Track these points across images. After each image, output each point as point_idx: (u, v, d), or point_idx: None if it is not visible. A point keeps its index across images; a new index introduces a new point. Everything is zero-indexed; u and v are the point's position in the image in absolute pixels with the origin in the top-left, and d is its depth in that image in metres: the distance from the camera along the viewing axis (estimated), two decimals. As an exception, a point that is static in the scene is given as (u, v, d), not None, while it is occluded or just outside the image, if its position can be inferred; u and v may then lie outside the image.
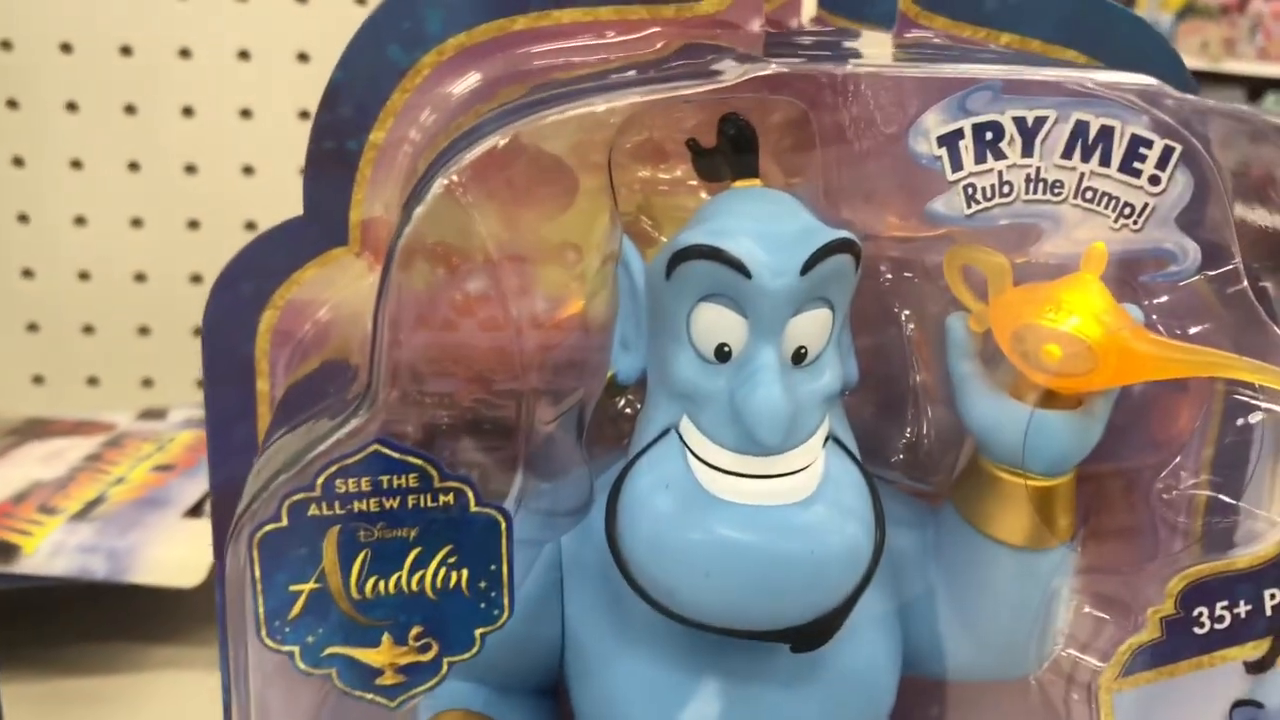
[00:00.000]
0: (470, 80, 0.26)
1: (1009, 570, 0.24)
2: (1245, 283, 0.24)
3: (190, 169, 0.66)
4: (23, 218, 0.67)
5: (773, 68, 0.20)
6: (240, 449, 0.26)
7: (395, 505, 0.18)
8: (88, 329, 0.69)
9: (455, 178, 0.20)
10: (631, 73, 0.22)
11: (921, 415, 0.25)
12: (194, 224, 0.66)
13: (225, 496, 0.25)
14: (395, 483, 0.18)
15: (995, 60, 0.25)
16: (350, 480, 0.18)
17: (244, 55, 0.64)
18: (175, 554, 0.46)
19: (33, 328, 0.67)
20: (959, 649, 0.25)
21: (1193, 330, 0.24)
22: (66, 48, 0.65)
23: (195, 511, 0.49)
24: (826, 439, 0.22)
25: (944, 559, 0.24)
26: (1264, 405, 0.23)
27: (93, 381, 0.70)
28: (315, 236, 0.26)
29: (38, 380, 0.69)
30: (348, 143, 0.25)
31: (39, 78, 0.66)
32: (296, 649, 0.18)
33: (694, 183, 0.24)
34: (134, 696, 0.44)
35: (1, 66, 0.66)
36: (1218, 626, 0.21)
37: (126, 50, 0.65)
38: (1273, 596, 0.21)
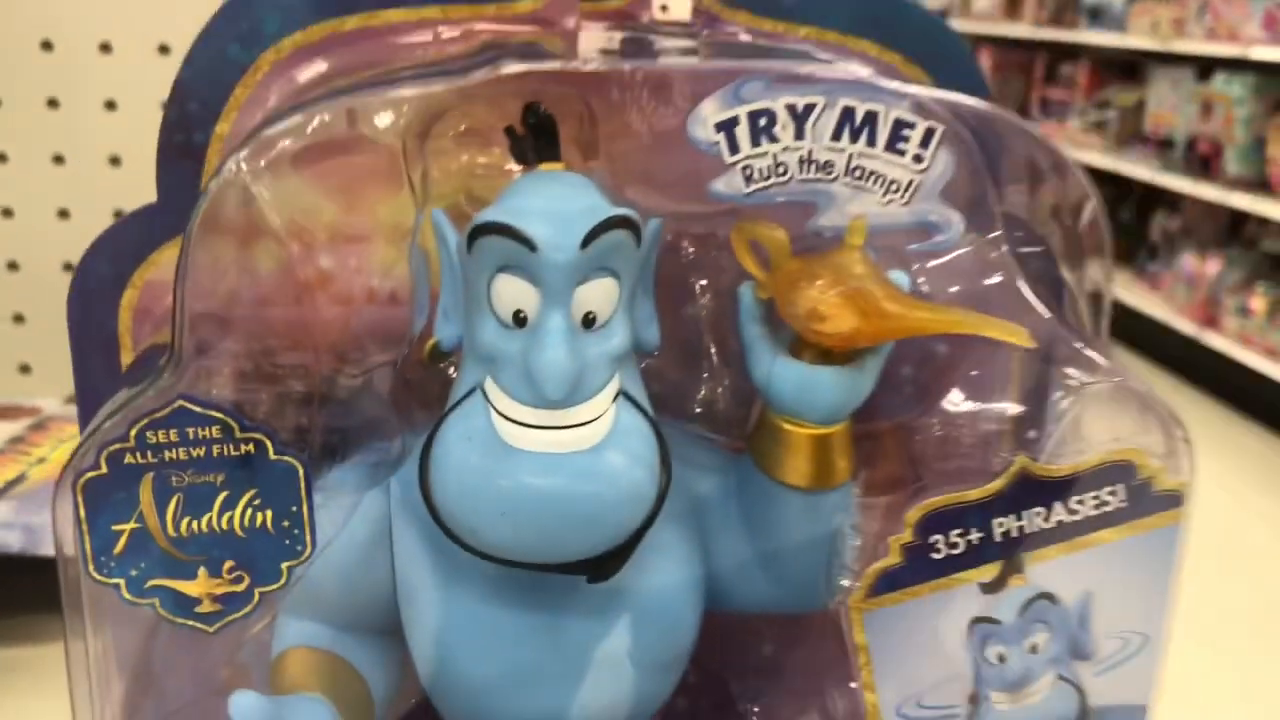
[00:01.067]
0: (316, 68, 0.28)
1: (796, 510, 0.26)
2: (1005, 248, 0.27)
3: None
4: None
5: (513, 69, 0.22)
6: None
7: (201, 454, 0.20)
8: (18, 318, 0.70)
9: (251, 158, 0.22)
10: (448, 69, 0.24)
11: (717, 375, 0.28)
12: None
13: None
14: (200, 434, 0.20)
15: (789, 56, 0.28)
16: (160, 432, 0.20)
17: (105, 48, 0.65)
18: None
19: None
20: (758, 584, 0.27)
21: (953, 290, 0.27)
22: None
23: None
24: (617, 395, 0.24)
25: (741, 502, 0.27)
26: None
27: (24, 369, 0.72)
28: (170, 222, 0.28)
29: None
30: (195, 135, 0.28)
31: None
32: (122, 581, 0.21)
33: (510, 166, 0.27)
34: (48, 664, 0.46)
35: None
36: (953, 552, 0.23)
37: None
38: (1000, 525, 0.23)
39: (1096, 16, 2.91)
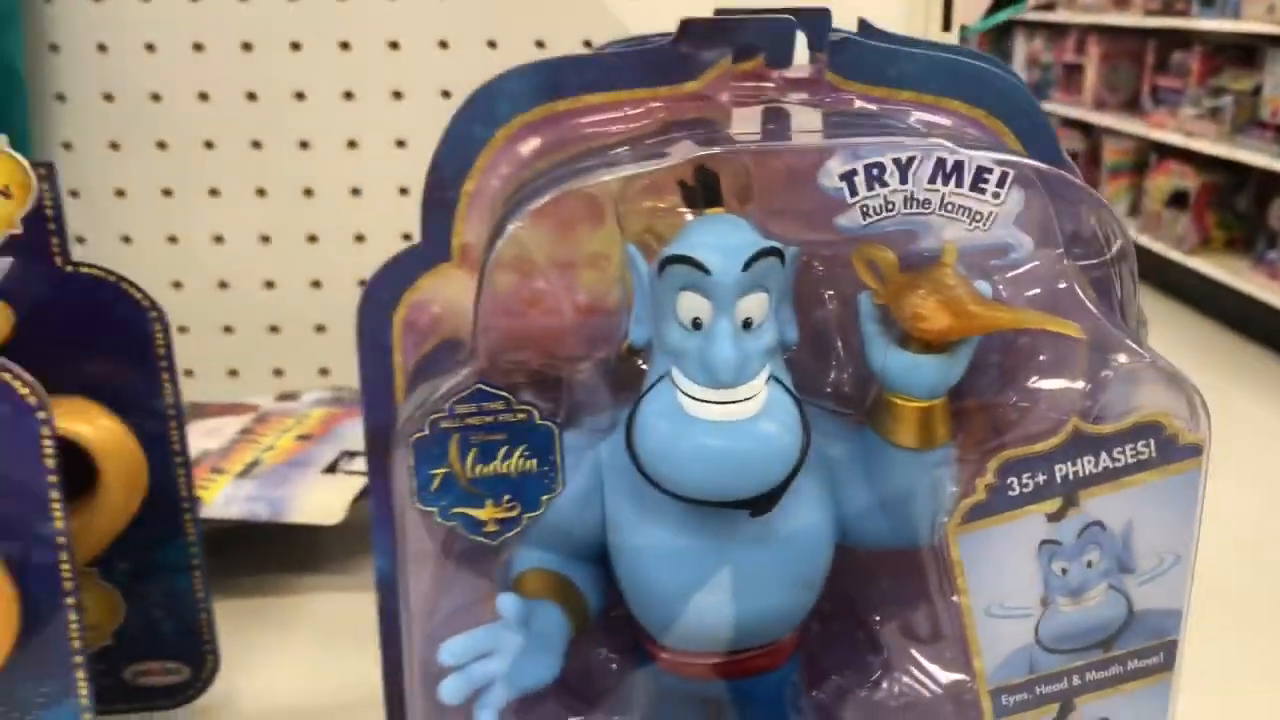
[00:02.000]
0: (532, 144, 0.37)
1: (906, 466, 0.35)
2: (1066, 262, 0.35)
3: (307, 193, 0.80)
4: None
5: (701, 152, 0.31)
6: (384, 403, 0.38)
7: (491, 421, 0.30)
8: (227, 329, 0.83)
9: (521, 222, 0.32)
10: (624, 149, 0.33)
11: (843, 364, 0.36)
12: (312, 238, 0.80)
13: (376, 434, 0.38)
14: (490, 407, 0.30)
15: (893, 118, 0.36)
16: (464, 405, 0.29)
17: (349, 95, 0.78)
18: (318, 500, 0.59)
19: (183, 330, 0.81)
20: (877, 525, 0.36)
21: (1028, 294, 0.35)
22: (204, 96, 0.79)
23: (331, 469, 0.62)
24: (769, 378, 0.33)
25: (863, 461, 0.35)
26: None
27: (233, 373, 0.84)
28: (430, 256, 0.38)
29: (188, 373, 0.83)
30: (448, 193, 0.37)
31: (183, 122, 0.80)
32: (435, 509, 0.30)
33: (682, 210, 0.36)
34: (294, 611, 0.57)
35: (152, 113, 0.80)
36: (1024, 490, 0.31)
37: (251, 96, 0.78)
38: (1060, 470, 0.31)
39: (1209, 2, 2.86)
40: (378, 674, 0.41)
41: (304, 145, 0.80)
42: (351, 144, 0.79)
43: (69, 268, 0.42)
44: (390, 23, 0.78)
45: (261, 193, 0.81)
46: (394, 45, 0.78)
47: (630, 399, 0.34)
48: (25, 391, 0.33)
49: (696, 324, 0.32)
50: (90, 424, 0.37)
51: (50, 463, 0.34)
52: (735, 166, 0.35)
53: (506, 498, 0.31)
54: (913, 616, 0.36)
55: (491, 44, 0.79)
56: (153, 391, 0.43)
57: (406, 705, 0.35)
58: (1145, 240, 3.06)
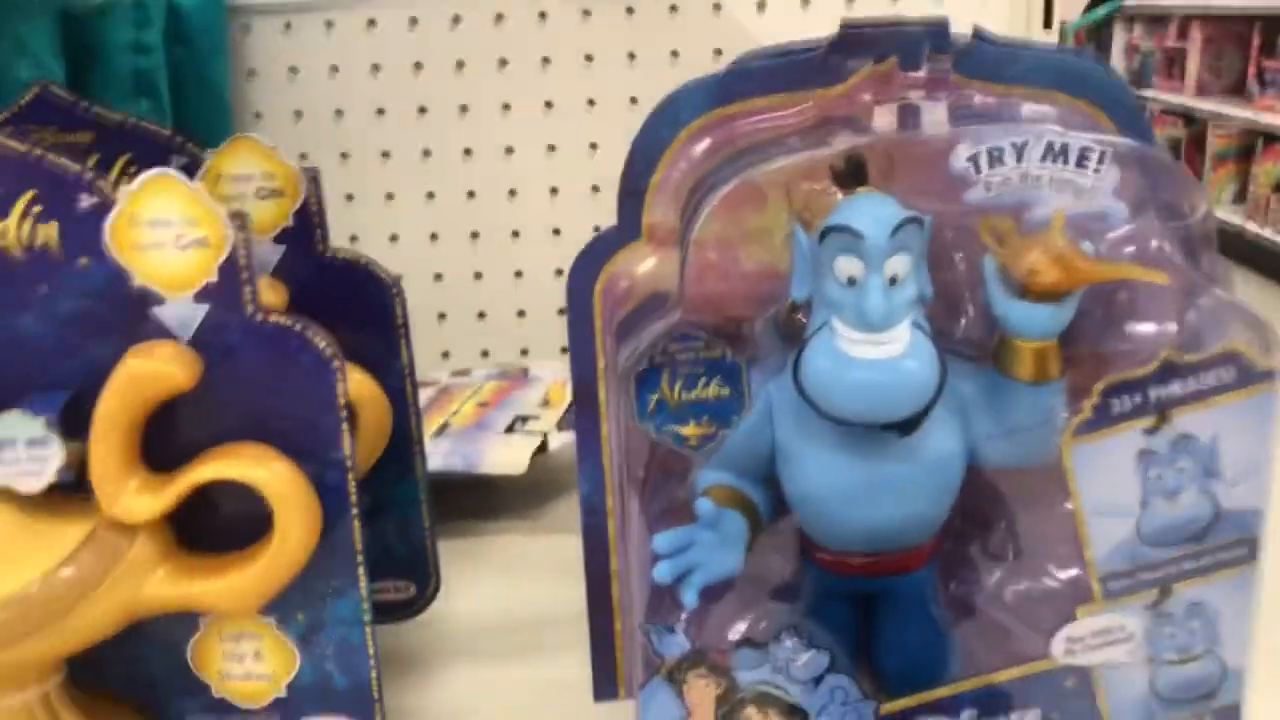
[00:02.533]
0: (705, 143, 0.46)
1: (1025, 397, 0.42)
2: (1158, 224, 0.42)
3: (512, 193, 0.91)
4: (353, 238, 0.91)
5: (855, 142, 0.40)
6: (588, 357, 0.47)
7: (692, 356, 0.38)
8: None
9: (713, 205, 0.40)
10: (795, 139, 0.41)
11: (970, 316, 0.44)
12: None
13: (581, 383, 0.47)
14: (692, 345, 0.38)
15: (1008, 110, 0.44)
16: (673, 344, 0.38)
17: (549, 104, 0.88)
18: (504, 455, 0.68)
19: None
20: (1002, 447, 0.43)
21: (1125, 251, 0.42)
22: (380, 111, 0.90)
23: (509, 430, 0.71)
24: (911, 325, 0.41)
25: (990, 394, 0.43)
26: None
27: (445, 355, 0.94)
28: (624, 237, 0.46)
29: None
30: (639, 183, 0.46)
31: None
32: (651, 426, 0.39)
33: (834, 189, 0.44)
34: (487, 548, 0.67)
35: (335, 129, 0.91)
36: (1124, 409, 0.38)
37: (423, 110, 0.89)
38: (1154, 392, 0.38)
39: (1319, -18, 2.82)
40: (567, 594, 0.50)
41: (509, 150, 0.90)
42: (551, 148, 0.90)
43: (328, 254, 0.52)
44: (583, 40, 0.88)
45: (431, 196, 0.91)
46: (589, 58, 0.88)
47: (794, 346, 0.42)
48: (324, 345, 0.43)
49: (851, 281, 0.40)
50: (350, 378, 0.47)
51: (341, 403, 0.44)
52: (881, 153, 0.43)
53: (705, 418, 0.40)
54: (1030, 525, 0.44)
55: (636, 60, 0.88)
56: (393, 353, 0.52)
57: (624, 592, 0.44)
58: (1253, 227, 3.01)
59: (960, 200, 0.41)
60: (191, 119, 0.86)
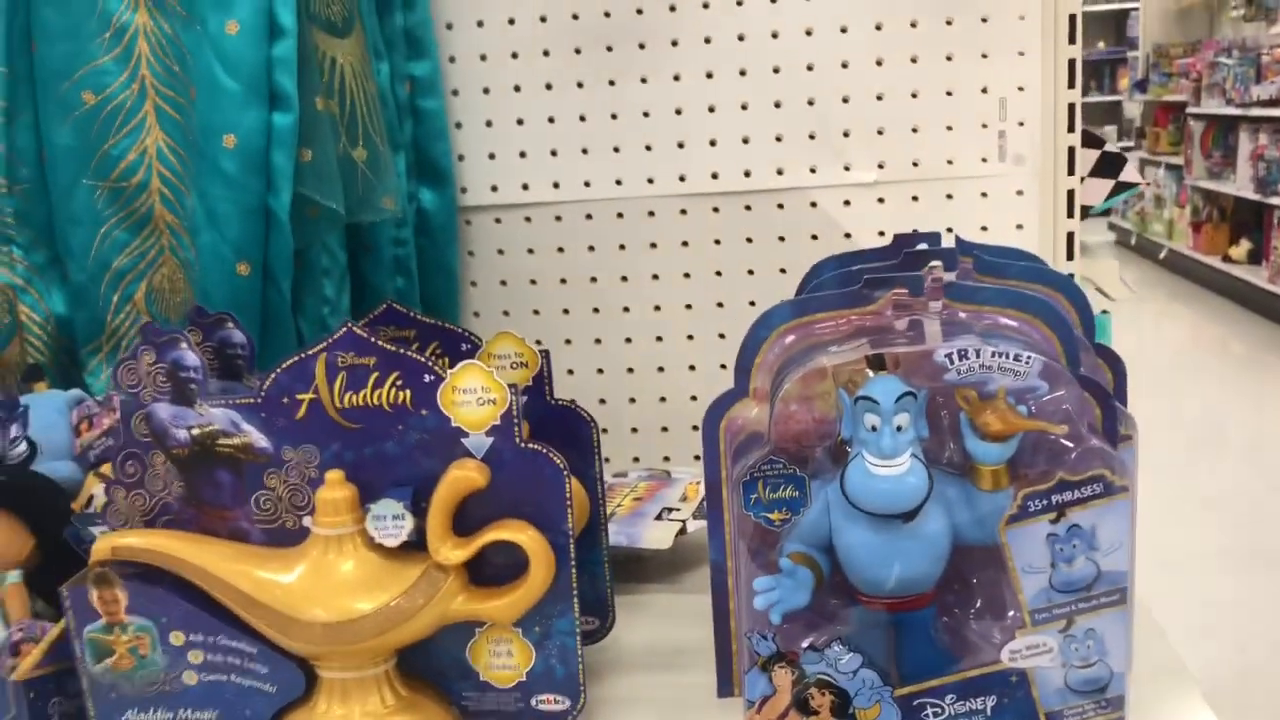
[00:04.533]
0: (790, 338, 0.74)
1: (986, 500, 0.68)
2: (1063, 394, 0.68)
3: (658, 339, 1.20)
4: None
5: (870, 350, 0.68)
6: (715, 470, 0.75)
7: (776, 472, 0.66)
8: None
9: (792, 380, 0.68)
10: (843, 339, 0.70)
11: (951, 447, 0.71)
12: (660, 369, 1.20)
13: (712, 485, 0.75)
14: (776, 465, 0.66)
15: (972, 331, 0.71)
16: (764, 465, 0.66)
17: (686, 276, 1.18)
18: (655, 535, 0.96)
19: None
20: (971, 531, 0.69)
21: (1048, 411, 0.68)
22: (563, 280, 1.21)
23: (659, 517, 1.00)
24: (911, 455, 0.68)
25: (964, 496, 0.69)
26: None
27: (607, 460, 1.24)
28: (737, 395, 0.75)
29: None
30: (748, 362, 0.74)
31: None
32: (752, 514, 0.67)
33: (868, 371, 0.71)
34: (645, 602, 0.94)
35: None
36: (1038, 508, 0.65)
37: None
38: (1055, 498, 0.64)
39: None
40: (696, 633, 0.78)
41: (656, 309, 1.21)
42: (689, 307, 1.20)
43: (553, 400, 0.82)
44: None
45: (598, 342, 1.21)
46: (717, 241, 1.19)
47: (840, 464, 0.69)
48: (559, 462, 0.72)
49: (873, 428, 0.68)
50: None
51: (568, 497, 0.73)
52: (890, 355, 0.71)
53: (784, 509, 0.67)
54: (988, 579, 0.70)
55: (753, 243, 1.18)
56: (589, 465, 0.81)
57: (737, 622, 0.72)
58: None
59: (942, 380, 0.69)
60: (431, 290, 1.19)
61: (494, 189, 1.22)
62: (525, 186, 1.21)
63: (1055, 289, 0.77)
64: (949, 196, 1.15)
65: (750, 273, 1.19)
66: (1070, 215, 1.14)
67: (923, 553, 0.69)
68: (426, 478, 0.73)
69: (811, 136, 1.16)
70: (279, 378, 0.74)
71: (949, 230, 1.11)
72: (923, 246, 0.92)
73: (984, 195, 1.15)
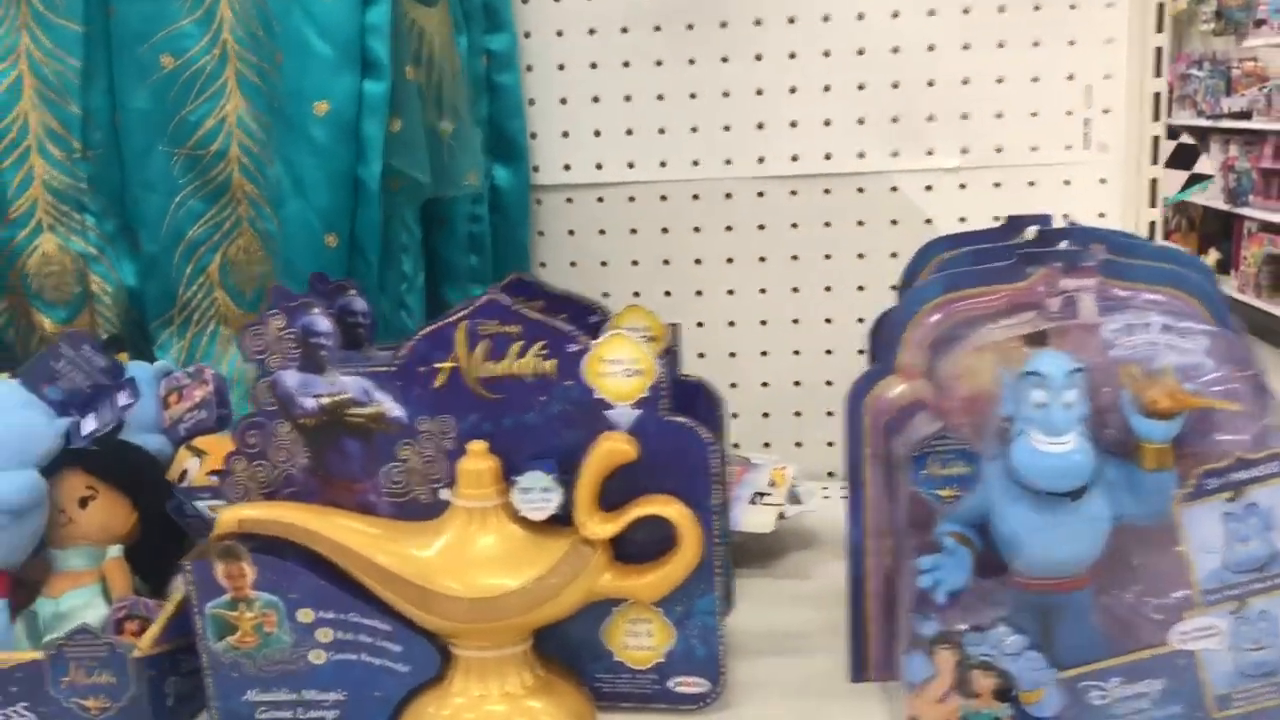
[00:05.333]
0: (936, 317, 0.73)
1: (1150, 480, 0.67)
2: (1233, 371, 0.67)
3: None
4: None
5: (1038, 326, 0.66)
6: (858, 450, 0.74)
7: (948, 447, 0.65)
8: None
9: (956, 357, 0.67)
10: (997, 316, 0.68)
11: (1117, 425, 0.69)
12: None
13: (854, 463, 0.73)
14: (948, 440, 0.64)
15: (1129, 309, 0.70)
16: (936, 440, 0.64)
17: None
18: (756, 519, 0.95)
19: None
20: (1134, 511, 0.68)
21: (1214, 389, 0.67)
22: (634, 263, 1.18)
23: (753, 501, 0.98)
24: (1078, 432, 0.66)
25: (1128, 477, 0.68)
26: (1242, 417, 0.67)
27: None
28: (882, 372, 0.73)
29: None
30: (894, 337, 0.73)
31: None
32: (922, 490, 0.65)
33: (1026, 349, 0.70)
34: (749, 587, 0.92)
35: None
36: (1213, 486, 0.64)
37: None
38: (1232, 477, 0.63)
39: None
40: (803, 615, 0.76)
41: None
42: (763, 291, 1.18)
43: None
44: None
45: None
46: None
47: (1004, 445, 0.68)
48: (706, 435, 0.70)
49: (1040, 405, 0.66)
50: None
51: (714, 472, 0.70)
52: (1051, 329, 0.70)
53: (954, 486, 0.66)
54: (1153, 561, 0.69)
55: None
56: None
57: (875, 604, 0.70)
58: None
59: (1108, 356, 0.67)
60: (502, 269, 1.16)
61: (566, 168, 1.19)
62: (599, 166, 1.19)
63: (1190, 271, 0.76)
64: (1031, 184, 1.14)
65: (827, 257, 1.18)
66: (1152, 204, 1.14)
67: (1085, 532, 0.68)
68: (567, 451, 0.70)
69: (894, 120, 1.14)
70: (417, 345, 0.71)
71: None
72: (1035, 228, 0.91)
73: (1066, 183, 1.14)
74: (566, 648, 0.74)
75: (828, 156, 1.16)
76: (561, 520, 0.70)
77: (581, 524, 0.69)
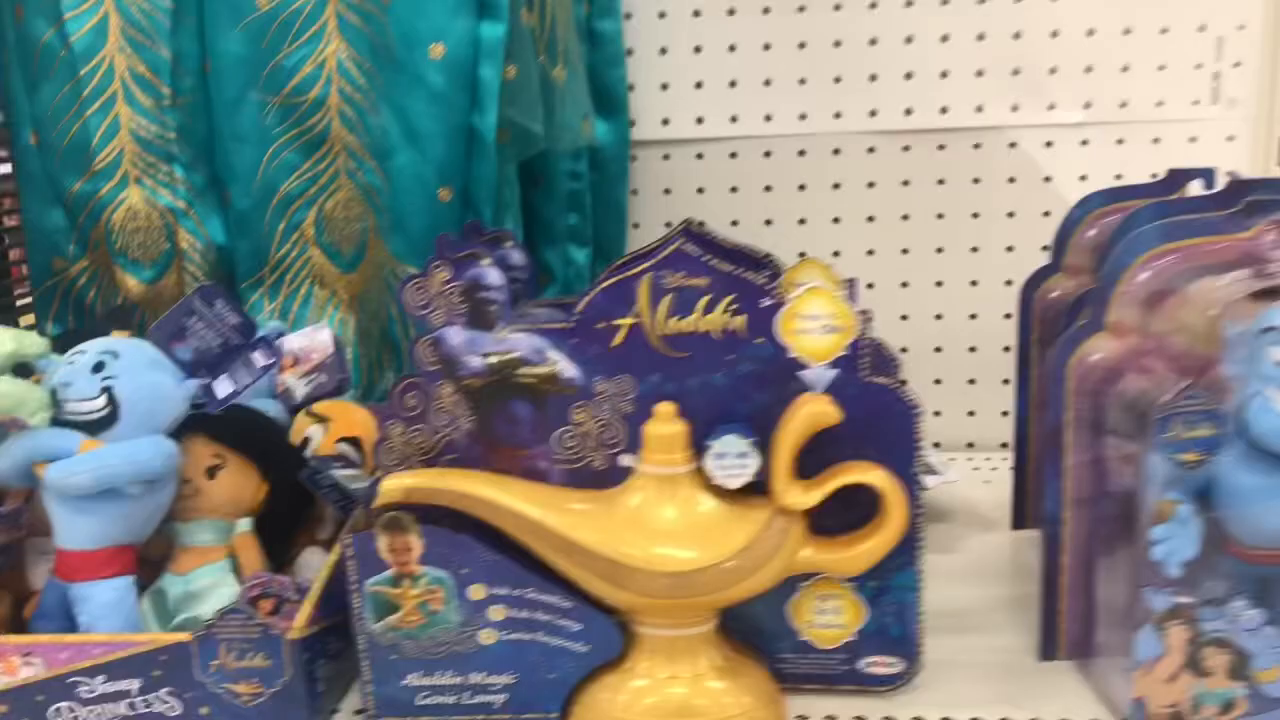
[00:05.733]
0: (1146, 274, 0.68)
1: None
2: None
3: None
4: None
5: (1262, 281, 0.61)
6: (1059, 411, 0.69)
7: (1194, 407, 0.60)
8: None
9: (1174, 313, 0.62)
10: (1220, 268, 0.63)
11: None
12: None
13: (1054, 428, 0.68)
14: (1194, 400, 0.60)
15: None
16: (1182, 400, 0.60)
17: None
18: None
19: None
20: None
21: None
22: (734, 223, 1.13)
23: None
24: (1318, 392, 0.62)
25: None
26: None
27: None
28: (1091, 329, 0.68)
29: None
30: (1106, 295, 0.68)
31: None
32: (1163, 454, 0.60)
33: (1256, 304, 0.65)
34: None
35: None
36: None
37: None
38: None
39: None
40: (975, 592, 0.71)
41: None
42: (870, 253, 1.12)
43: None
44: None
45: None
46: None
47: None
48: (908, 398, 0.65)
49: (1278, 363, 0.62)
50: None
51: (918, 438, 0.65)
52: (1284, 281, 0.65)
53: (1199, 450, 0.61)
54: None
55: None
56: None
57: (1071, 579, 0.65)
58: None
59: (1348, 311, 0.63)
60: (598, 227, 1.10)
61: (665, 122, 1.13)
62: (699, 120, 1.13)
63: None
64: (1156, 140, 1.09)
65: (939, 217, 1.12)
66: (1282, 163, 1.09)
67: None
68: (757, 413, 0.65)
69: (1015, 73, 1.09)
70: (596, 300, 0.65)
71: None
72: (1198, 181, 0.86)
73: (1193, 140, 1.09)
74: (749, 626, 0.69)
75: (944, 110, 1.10)
76: (752, 489, 0.64)
77: (781, 493, 0.63)
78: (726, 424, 0.65)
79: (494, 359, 0.66)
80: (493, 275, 0.65)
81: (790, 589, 0.68)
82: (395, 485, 0.64)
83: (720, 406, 0.66)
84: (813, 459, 0.65)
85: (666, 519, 0.63)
